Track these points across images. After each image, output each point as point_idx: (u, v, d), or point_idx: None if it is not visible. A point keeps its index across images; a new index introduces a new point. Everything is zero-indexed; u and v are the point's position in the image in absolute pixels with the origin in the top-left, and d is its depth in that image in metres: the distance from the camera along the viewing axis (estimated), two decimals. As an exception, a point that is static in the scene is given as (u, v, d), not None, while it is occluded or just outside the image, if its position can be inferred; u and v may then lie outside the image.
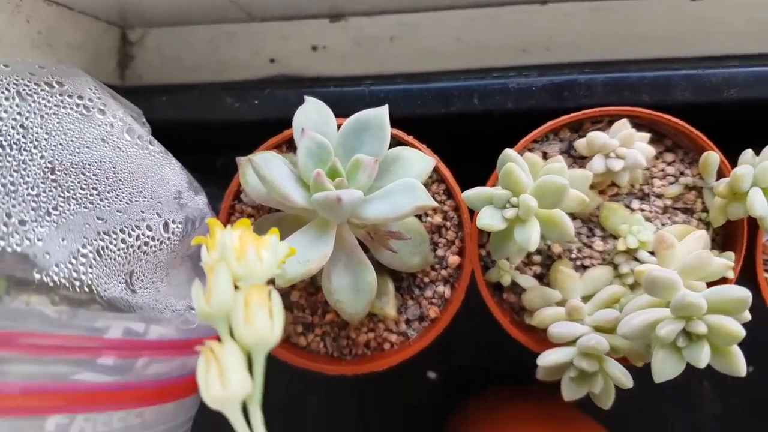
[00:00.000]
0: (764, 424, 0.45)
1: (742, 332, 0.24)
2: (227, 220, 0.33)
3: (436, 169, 0.32)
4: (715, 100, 0.32)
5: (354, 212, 0.26)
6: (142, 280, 0.27)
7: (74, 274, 0.24)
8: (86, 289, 0.24)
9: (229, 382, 0.16)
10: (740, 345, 0.43)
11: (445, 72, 0.39)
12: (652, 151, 0.30)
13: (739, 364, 0.25)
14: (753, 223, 0.31)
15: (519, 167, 0.27)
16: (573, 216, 0.32)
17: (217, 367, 0.16)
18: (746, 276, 0.32)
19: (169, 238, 0.28)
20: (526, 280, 0.32)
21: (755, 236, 0.31)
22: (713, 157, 0.29)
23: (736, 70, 0.33)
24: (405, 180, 0.26)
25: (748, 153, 0.28)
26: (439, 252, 0.33)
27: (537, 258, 0.32)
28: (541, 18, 0.38)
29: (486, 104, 0.33)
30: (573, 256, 0.32)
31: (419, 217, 0.32)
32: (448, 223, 0.33)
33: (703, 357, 0.24)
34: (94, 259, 0.25)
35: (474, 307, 0.33)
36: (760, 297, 0.32)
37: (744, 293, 0.24)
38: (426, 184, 0.33)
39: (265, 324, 0.17)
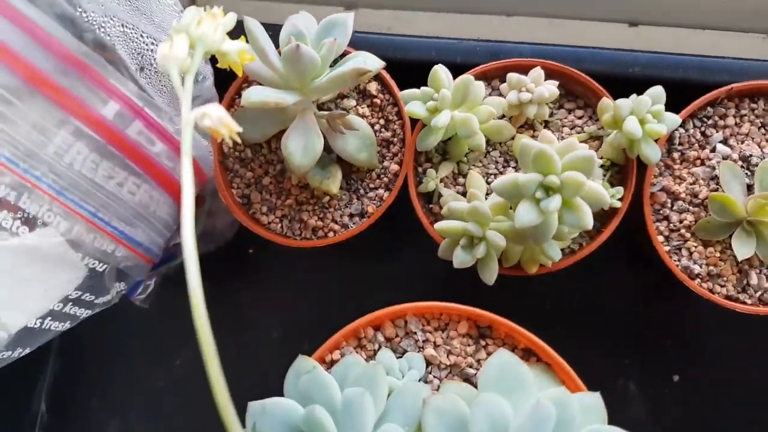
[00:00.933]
0: (688, 428, 0.47)
1: (588, 183, 0.29)
2: (229, 107, 0.42)
3: (390, 91, 0.40)
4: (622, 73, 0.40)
5: (313, 74, 0.34)
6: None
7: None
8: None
9: (176, 46, 0.24)
10: (666, 353, 0.46)
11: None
12: (556, 91, 0.37)
13: (585, 217, 0.30)
14: (642, 167, 0.37)
15: (444, 72, 0.35)
16: (491, 146, 0.39)
17: (170, 44, 0.24)
18: (636, 218, 0.38)
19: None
20: (447, 191, 0.38)
21: (644, 177, 0.37)
22: (606, 102, 0.36)
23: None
24: (356, 59, 0.35)
25: (633, 96, 0.35)
26: (386, 163, 0.40)
27: (461, 180, 0.39)
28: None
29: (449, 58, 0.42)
30: (489, 180, 0.38)
31: (372, 126, 0.40)
32: (395, 139, 0.40)
33: (553, 205, 0.29)
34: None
35: (409, 214, 0.39)
36: (647, 235, 0.37)
37: (590, 153, 0.30)
38: (381, 106, 0.41)
39: (210, 27, 0.25)
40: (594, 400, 0.30)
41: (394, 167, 0.40)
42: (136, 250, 0.36)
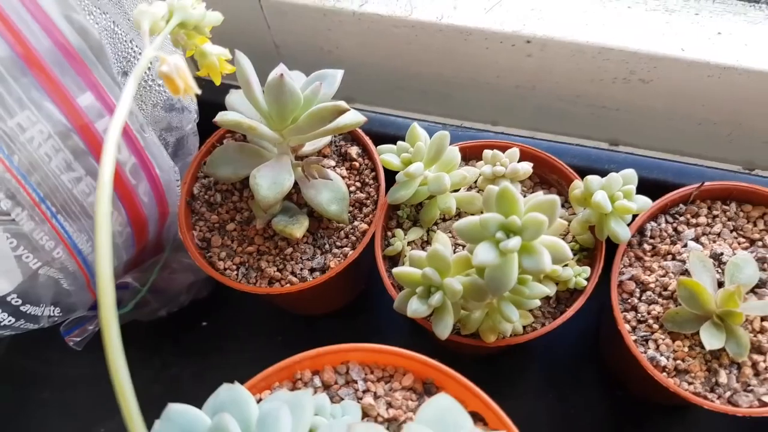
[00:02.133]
0: None
1: (546, 221, 0.28)
2: (207, 153, 0.41)
3: (370, 156, 0.40)
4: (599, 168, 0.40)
5: (294, 112, 0.34)
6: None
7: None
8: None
9: (154, 6, 0.24)
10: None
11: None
12: (529, 169, 0.37)
13: (543, 259, 0.28)
14: (611, 252, 0.36)
15: (420, 130, 0.36)
16: (462, 216, 0.38)
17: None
18: (602, 296, 0.36)
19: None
20: (414, 253, 0.37)
21: (612, 257, 0.35)
22: (577, 184, 0.36)
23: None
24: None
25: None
26: (356, 223, 0.39)
27: (429, 248, 0.38)
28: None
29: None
30: (456, 251, 0.37)
31: (348, 186, 0.39)
32: (369, 201, 0.40)
33: (512, 245, 0.28)
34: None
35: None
36: (614, 323, 0.34)
37: (554, 197, 0.29)
38: (359, 169, 0.41)
39: (189, 2, 0.26)
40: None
41: (364, 227, 0.39)
42: (76, 257, 0.34)
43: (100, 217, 0.21)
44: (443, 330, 0.32)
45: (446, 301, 0.32)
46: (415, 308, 0.32)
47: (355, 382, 0.31)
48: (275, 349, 0.49)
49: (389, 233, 0.39)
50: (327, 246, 0.39)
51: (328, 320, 0.48)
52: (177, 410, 0.25)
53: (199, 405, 0.46)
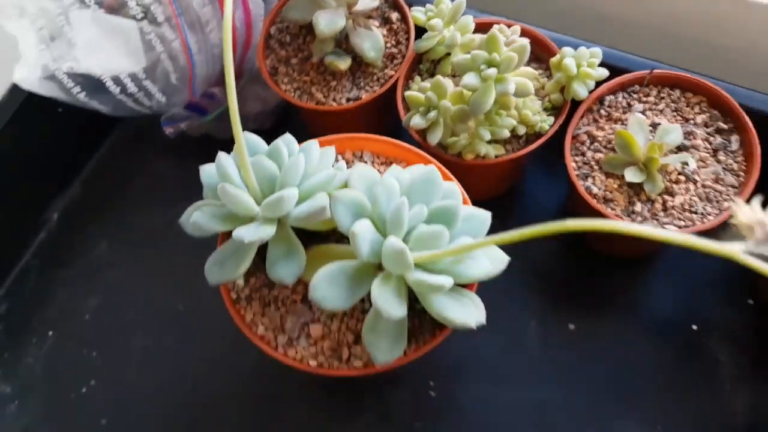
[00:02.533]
0: (579, 369, 0.51)
1: (516, 58, 0.39)
2: None
3: (406, 22, 0.52)
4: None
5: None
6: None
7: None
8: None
9: None
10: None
11: None
12: (526, 43, 0.48)
13: (509, 86, 0.39)
14: (575, 109, 0.46)
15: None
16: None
17: None
18: (559, 146, 0.47)
19: None
20: (422, 82, 0.48)
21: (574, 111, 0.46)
22: (559, 53, 0.47)
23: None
24: None
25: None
26: (387, 71, 0.51)
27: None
28: None
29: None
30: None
31: (385, 42, 0.51)
32: (399, 56, 0.51)
33: (490, 72, 0.39)
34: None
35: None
36: (563, 162, 0.46)
37: (524, 42, 0.40)
38: (396, 31, 0.52)
39: None
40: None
41: (391, 73, 0.50)
42: (187, 54, 0.47)
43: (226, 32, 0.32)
44: (434, 138, 0.44)
45: (440, 118, 0.44)
46: (416, 121, 0.44)
47: (366, 162, 0.44)
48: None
49: (410, 81, 0.51)
50: (362, 84, 0.51)
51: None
52: (248, 137, 0.38)
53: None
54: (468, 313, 0.35)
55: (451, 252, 0.31)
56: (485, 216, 0.36)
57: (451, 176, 0.40)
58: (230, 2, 0.31)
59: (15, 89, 0.57)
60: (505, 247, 0.54)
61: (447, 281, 0.33)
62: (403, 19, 0.52)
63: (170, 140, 0.60)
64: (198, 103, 0.53)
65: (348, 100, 0.50)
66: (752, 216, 0.24)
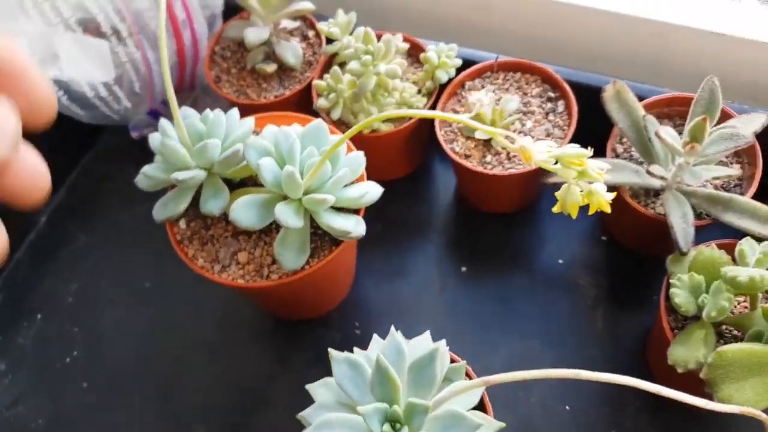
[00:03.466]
0: (470, 303, 0.63)
1: (383, 49, 0.53)
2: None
3: (319, 37, 0.66)
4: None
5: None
6: None
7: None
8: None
9: None
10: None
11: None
12: (405, 45, 0.62)
13: (381, 68, 0.53)
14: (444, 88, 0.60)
15: (340, 14, 0.61)
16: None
17: None
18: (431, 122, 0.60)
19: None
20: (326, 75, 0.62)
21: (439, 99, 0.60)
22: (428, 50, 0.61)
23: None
24: None
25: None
26: (306, 74, 0.65)
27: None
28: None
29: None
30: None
31: (303, 53, 0.65)
32: (314, 62, 0.65)
33: (366, 58, 0.53)
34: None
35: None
36: (434, 131, 0.59)
37: (390, 37, 0.54)
38: (312, 44, 0.66)
39: None
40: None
41: (309, 75, 0.64)
42: (146, 65, 0.60)
43: (162, 41, 0.46)
44: (336, 114, 0.57)
45: (339, 98, 0.57)
46: (321, 102, 0.58)
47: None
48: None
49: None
50: (287, 84, 0.65)
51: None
52: (185, 111, 0.51)
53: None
54: (349, 224, 0.47)
55: (325, 156, 0.44)
56: (359, 155, 0.49)
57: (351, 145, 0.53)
58: (163, 23, 0.45)
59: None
60: (408, 212, 0.67)
61: (329, 197, 0.46)
62: (318, 35, 0.67)
63: (134, 152, 0.74)
64: (157, 109, 0.66)
65: (276, 96, 0.64)
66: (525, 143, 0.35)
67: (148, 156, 0.77)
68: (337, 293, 0.62)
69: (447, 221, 0.68)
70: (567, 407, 0.57)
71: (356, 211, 0.50)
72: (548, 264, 0.64)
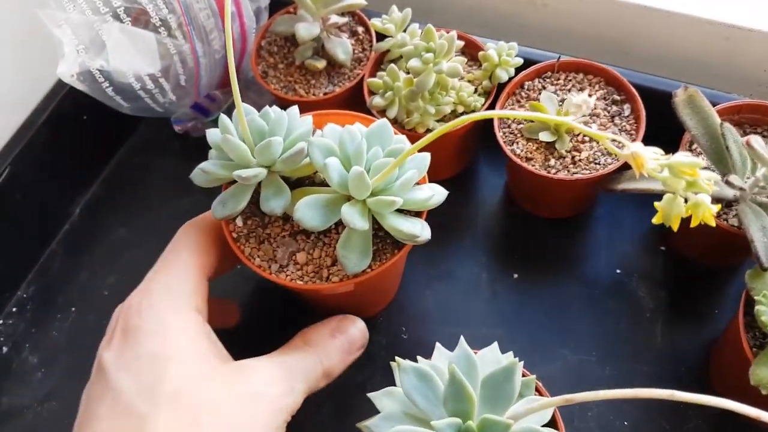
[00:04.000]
0: (523, 310, 0.60)
1: (447, 45, 0.50)
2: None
3: (369, 33, 0.63)
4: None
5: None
6: None
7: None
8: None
9: None
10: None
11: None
12: (460, 42, 0.59)
13: (443, 67, 0.50)
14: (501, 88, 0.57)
15: (395, 9, 0.59)
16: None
17: None
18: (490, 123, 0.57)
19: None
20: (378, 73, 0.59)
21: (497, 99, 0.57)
22: (486, 49, 0.58)
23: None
24: None
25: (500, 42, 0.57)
26: (356, 71, 0.62)
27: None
28: None
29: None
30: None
31: (353, 49, 0.62)
32: (364, 59, 0.62)
33: (430, 56, 0.50)
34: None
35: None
36: (493, 131, 0.56)
37: (453, 33, 0.51)
38: (362, 40, 0.63)
39: None
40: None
41: (359, 72, 0.61)
42: (195, 58, 0.57)
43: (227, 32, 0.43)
44: (391, 113, 0.54)
45: (395, 97, 0.55)
46: (376, 101, 0.55)
47: (338, 132, 0.54)
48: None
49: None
50: (336, 81, 0.62)
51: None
52: (245, 107, 0.48)
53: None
54: (415, 227, 0.45)
55: (396, 164, 0.41)
56: (426, 156, 0.47)
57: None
58: (229, 17, 0.42)
59: (49, 97, 0.68)
60: (456, 214, 0.65)
61: (398, 199, 0.43)
62: (367, 31, 0.64)
63: (174, 145, 0.71)
64: (201, 104, 0.64)
65: (325, 94, 0.61)
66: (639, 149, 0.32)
67: (186, 149, 0.75)
68: (386, 296, 0.59)
69: (496, 225, 0.65)
70: (625, 423, 0.55)
71: (418, 214, 0.47)
72: (604, 273, 0.61)
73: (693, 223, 0.34)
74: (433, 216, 0.66)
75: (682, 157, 0.32)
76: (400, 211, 0.46)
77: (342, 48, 0.61)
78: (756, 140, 0.44)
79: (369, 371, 0.58)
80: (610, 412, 0.55)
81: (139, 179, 0.73)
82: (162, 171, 0.74)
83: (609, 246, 0.62)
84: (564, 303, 0.60)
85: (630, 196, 0.55)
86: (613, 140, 0.31)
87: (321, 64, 0.60)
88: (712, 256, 0.57)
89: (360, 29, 0.64)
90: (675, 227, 0.34)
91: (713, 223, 0.34)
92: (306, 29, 0.58)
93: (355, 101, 0.61)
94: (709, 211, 0.34)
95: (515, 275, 0.62)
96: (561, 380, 0.57)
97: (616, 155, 0.31)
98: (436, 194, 0.46)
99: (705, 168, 0.52)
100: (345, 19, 0.63)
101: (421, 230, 0.45)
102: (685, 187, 0.32)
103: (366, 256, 0.45)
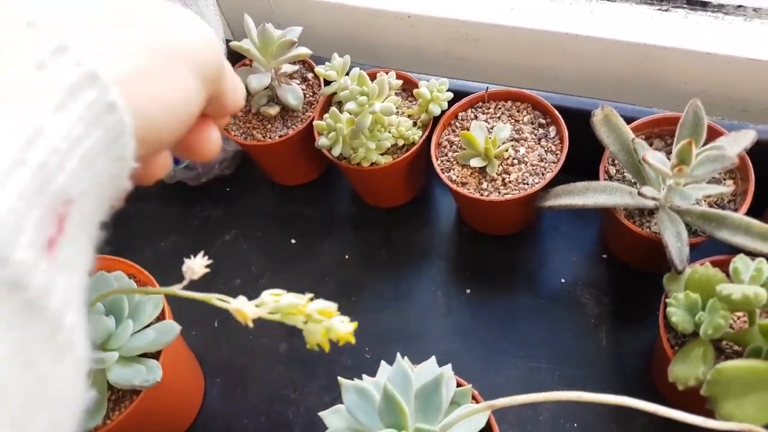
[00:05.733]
0: (476, 323, 0.62)
1: (378, 89, 0.53)
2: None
3: (318, 78, 0.66)
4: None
5: (275, 50, 0.61)
6: None
7: None
8: None
9: None
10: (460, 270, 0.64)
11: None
12: (398, 82, 0.62)
13: (377, 107, 0.53)
14: (436, 121, 0.60)
15: (336, 56, 0.62)
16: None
17: None
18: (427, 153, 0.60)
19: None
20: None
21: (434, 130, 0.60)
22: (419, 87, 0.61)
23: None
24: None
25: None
26: (307, 113, 0.65)
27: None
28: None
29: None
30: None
31: (304, 94, 0.65)
32: (315, 102, 0.65)
33: (365, 100, 0.53)
34: None
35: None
36: (430, 160, 0.59)
37: (384, 79, 0.54)
38: (312, 85, 0.66)
39: None
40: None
41: (310, 114, 0.65)
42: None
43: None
44: (336, 151, 0.58)
45: (338, 136, 0.58)
46: (322, 141, 0.58)
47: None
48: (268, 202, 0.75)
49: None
50: (289, 124, 0.65)
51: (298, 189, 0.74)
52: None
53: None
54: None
55: None
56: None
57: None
58: None
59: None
60: (412, 237, 0.67)
61: None
62: (316, 77, 0.67)
63: (153, 189, 0.74)
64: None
65: (280, 137, 0.64)
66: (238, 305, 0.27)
67: (159, 193, 0.78)
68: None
69: (450, 245, 0.68)
70: (575, 425, 0.56)
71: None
72: (551, 283, 0.63)
73: (340, 343, 0.30)
74: (390, 239, 0.68)
75: (285, 299, 0.28)
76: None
77: (293, 94, 0.64)
78: (653, 155, 0.46)
79: (336, 392, 0.60)
80: (561, 416, 0.57)
81: (121, 224, 0.77)
82: (143, 212, 0.77)
83: (553, 257, 0.64)
84: (514, 314, 0.62)
85: (570, 209, 0.57)
86: (219, 298, 0.29)
87: (274, 110, 0.64)
88: (646, 263, 0.59)
89: (310, 75, 0.68)
90: (326, 348, 0.30)
91: (353, 340, 0.30)
92: (257, 80, 0.61)
93: (308, 142, 0.64)
94: (343, 333, 0.30)
95: (468, 291, 0.64)
96: (513, 387, 0.58)
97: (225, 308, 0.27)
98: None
99: (620, 179, 0.54)
100: (296, 67, 0.67)
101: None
102: (305, 320, 0.29)
103: None
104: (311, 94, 0.67)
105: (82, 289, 0.18)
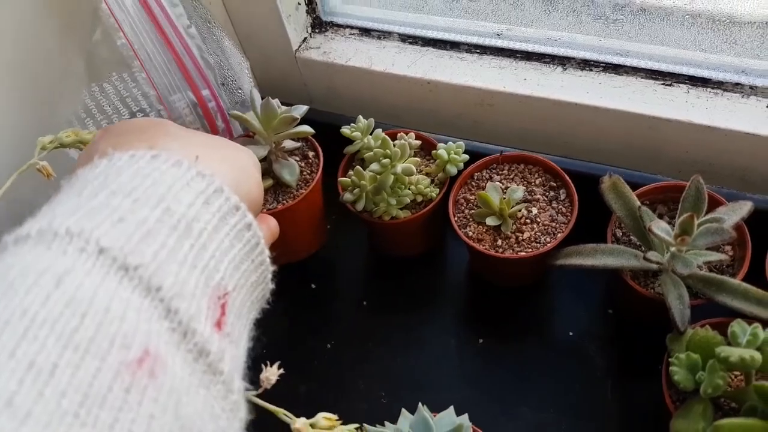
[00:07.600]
0: (487, 372, 0.64)
1: (399, 152, 0.57)
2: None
3: (319, 157, 0.68)
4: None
5: (274, 124, 0.66)
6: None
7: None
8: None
9: None
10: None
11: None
12: (417, 142, 0.65)
13: (398, 168, 0.57)
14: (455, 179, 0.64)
15: (361, 118, 0.66)
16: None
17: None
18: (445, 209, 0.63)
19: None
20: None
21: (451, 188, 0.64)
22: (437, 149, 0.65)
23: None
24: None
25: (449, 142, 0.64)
26: (302, 191, 0.65)
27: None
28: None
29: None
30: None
31: (301, 171, 0.68)
32: (311, 180, 0.69)
33: (387, 162, 0.57)
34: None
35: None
36: (448, 217, 0.62)
37: (407, 141, 0.58)
38: (311, 162, 0.70)
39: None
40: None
41: (303, 191, 0.65)
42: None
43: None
44: (359, 206, 0.61)
45: (362, 193, 0.61)
46: (347, 197, 0.62)
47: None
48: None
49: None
50: (281, 198, 0.65)
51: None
52: None
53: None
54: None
55: None
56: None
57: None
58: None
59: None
60: (426, 287, 0.70)
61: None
62: (317, 156, 0.67)
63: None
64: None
65: (268, 209, 0.64)
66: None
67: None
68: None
69: (463, 295, 0.70)
70: (584, 476, 0.58)
71: None
72: (559, 335, 0.66)
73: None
74: (406, 287, 0.71)
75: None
76: None
77: (288, 170, 0.64)
78: (658, 225, 0.49)
79: (354, 437, 0.62)
80: (569, 466, 0.58)
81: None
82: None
83: (561, 310, 0.67)
84: (524, 364, 0.64)
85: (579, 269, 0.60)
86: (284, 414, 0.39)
87: (267, 183, 0.66)
88: (651, 320, 0.61)
89: (311, 153, 0.68)
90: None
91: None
92: (254, 152, 0.61)
93: (299, 215, 0.65)
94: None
95: (480, 341, 0.67)
96: (522, 438, 0.60)
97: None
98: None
99: (626, 242, 0.57)
100: (298, 144, 0.68)
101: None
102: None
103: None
104: (309, 172, 0.67)
105: (242, 362, 0.27)
